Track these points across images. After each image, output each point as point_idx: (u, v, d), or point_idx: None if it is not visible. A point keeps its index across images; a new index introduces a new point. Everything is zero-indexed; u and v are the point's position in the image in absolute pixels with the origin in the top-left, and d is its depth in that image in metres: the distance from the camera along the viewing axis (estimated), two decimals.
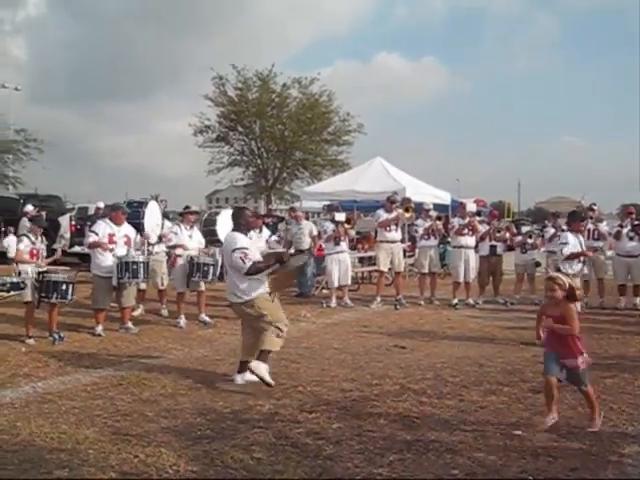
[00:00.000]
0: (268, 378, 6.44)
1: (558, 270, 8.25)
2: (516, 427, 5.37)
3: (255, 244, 10.94)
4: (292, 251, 12.37)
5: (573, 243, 8.21)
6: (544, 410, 5.47)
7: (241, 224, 7.02)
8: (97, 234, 9.56)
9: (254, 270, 6.64)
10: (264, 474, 4.34)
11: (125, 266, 9.46)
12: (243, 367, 6.71)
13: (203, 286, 10.74)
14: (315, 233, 13.70)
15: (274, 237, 11.69)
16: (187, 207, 11.35)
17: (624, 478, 4.33)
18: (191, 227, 10.93)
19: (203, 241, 11.15)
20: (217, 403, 6.06)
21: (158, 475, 4.34)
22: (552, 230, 13.44)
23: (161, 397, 6.26)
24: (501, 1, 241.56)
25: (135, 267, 9.54)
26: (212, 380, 6.87)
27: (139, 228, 10.29)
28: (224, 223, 11.75)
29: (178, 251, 10.65)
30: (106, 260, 9.53)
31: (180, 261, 10.59)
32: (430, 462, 4.58)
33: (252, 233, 11.01)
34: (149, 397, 6.26)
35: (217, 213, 12.32)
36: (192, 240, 10.81)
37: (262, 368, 6.45)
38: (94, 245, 9.52)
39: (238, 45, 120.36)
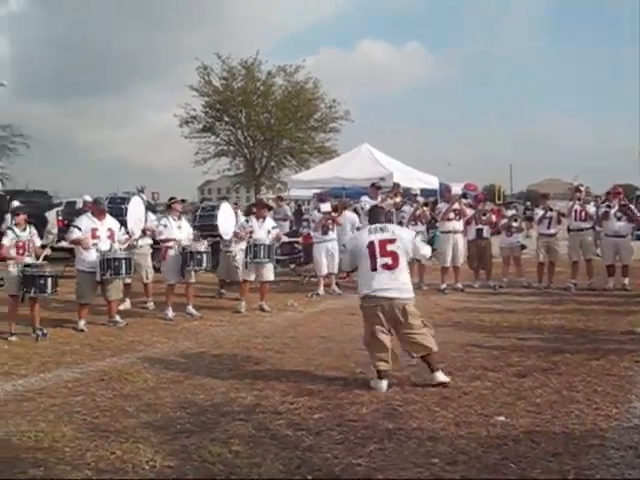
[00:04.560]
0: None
1: None
2: (499, 413, 5.32)
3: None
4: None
5: None
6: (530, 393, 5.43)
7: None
8: (80, 229, 9.46)
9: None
10: (241, 467, 4.27)
11: (107, 263, 9.36)
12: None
13: (193, 277, 10.67)
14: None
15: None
16: (172, 198, 11.22)
17: (605, 462, 4.27)
18: (179, 218, 10.79)
19: (191, 231, 11.03)
20: (198, 396, 5.98)
21: (134, 472, 4.27)
22: (541, 212, 13.37)
23: (142, 391, 6.18)
24: None
25: (117, 264, 9.44)
26: (195, 373, 6.81)
27: (122, 225, 10.17)
28: (224, 217, 11.67)
29: (169, 243, 10.53)
30: (90, 255, 9.42)
31: (171, 252, 10.50)
32: (410, 451, 4.52)
33: (254, 222, 11.00)
34: (130, 392, 6.18)
35: (215, 207, 12.13)
36: (181, 231, 10.68)
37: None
38: (75, 241, 9.43)
39: (223, 34, 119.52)
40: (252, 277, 10.99)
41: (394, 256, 6.20)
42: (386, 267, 6.17)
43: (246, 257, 10.83)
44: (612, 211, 12.61)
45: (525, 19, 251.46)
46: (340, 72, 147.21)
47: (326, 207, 13.07)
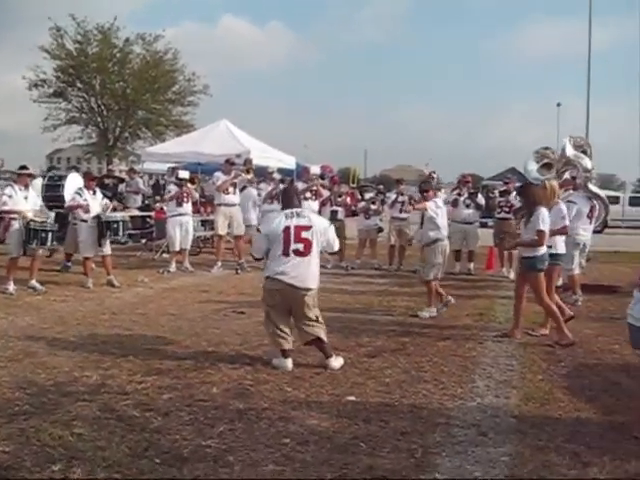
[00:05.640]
0: None
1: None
2: (350, 393, 5.37)
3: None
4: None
5: None
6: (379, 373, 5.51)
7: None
8: None
9: None
10: (84, 451, 4.04)
11: None
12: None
13: (40, 250, 10.11)
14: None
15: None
16: (23, 167, 10.44)
17: (451, 440, 4.40)
18: (26, 188, 10.14)
19: (38, 202, 10.43)
20: (39, 375, 5.63)
21: None
22: (394, 196, 13.73)
23: None
24: None
25: None
26: (36, 350, 6.42)
27: None
28: (72, 188, 11.15)
29: (13, 215, 9.87)
30: None
31: (15, 225, 9.83)
32: (261, 431, 4.46)
33: (87, 194, 10.55)
34: None
35: (62, 177, 11.57)
36: (27, 202, 10.05)
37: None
38: None
39: None
40: (91, 253, 10.57)
41: (307, 243, 6.11)
42: (298, 253, 6.07)
43: (105, 234, 10.40)
44: (461, 199, 13.12)
45: (385, 12, 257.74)
46: (201, 46, 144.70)
47: (184, 174, 12.84)
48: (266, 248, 6.27)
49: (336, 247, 6.57)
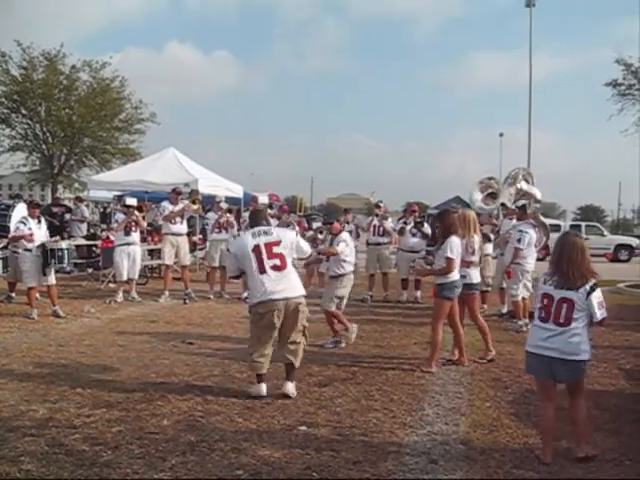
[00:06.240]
0: None
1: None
2: (301, 422, 5.39)
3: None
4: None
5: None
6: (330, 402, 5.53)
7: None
8: None
9: None
10: None
11: None
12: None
13: None
14: None
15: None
16: None
17: (402, 468, 4.45)
18: None
19: None
20: None
21: None
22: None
23: None
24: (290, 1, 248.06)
25: None
26: None
27: None
28: (16, 219, 10.96)
29: None
30: None
31: None
32: (214, 463, 4.45)
33: (31, 222, 10.37)
34: None
35: (10, 207, 11.34)
36: None
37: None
38: None
39: (24, 22, 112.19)
40: (35, 283, 10.35)
41: (281, 257, 6.23)
42: (275, 268, 6.17)
43: (49, 262, 10.22)
44: (408, 227, 13.29)
45: (332, 45, 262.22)
46: (145, 72, 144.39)
47: (132, 201, 12.73)
48: (236, 267, 6.42)
49: (308, 250, 6.79)
